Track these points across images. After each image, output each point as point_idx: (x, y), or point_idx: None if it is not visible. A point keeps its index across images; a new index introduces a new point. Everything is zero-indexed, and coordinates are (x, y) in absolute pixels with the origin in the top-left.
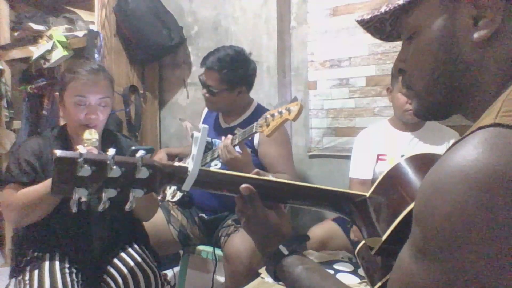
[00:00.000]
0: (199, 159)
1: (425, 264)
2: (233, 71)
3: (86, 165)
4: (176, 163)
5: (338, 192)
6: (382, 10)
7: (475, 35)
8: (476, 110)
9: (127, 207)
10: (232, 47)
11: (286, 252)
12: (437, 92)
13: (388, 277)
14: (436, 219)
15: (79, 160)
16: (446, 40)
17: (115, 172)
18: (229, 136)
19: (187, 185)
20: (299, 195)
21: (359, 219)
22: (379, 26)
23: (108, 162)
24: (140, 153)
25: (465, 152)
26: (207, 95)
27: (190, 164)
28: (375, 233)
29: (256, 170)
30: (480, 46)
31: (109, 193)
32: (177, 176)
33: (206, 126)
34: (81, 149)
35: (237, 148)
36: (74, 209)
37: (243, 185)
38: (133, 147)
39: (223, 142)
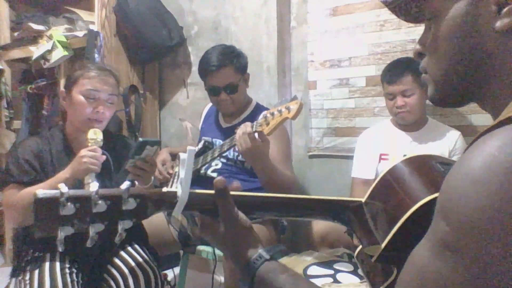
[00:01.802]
0: (187, 183)
1: (451, 259)
2: (240, 57)
3: (69, 203)
4: (164, 189)
5: (333, 200)
6: None
7: (498, 24)
8: (494, 100)
9: (116, 239)
10: (221, 44)
11: (267, 256)
12: (454, 80)
13: (390, 282)
14: (468, 211)
15: (61, 199)
16: (467, 27)
17: (100, 207)
18: (248, 123)
19: (177, 211)
20: (294, 208)
21: (357, 227)
22: (404, 7)
23: (92, 197)
24: (126, 184)
25: (499, 144)
26: (228, 97)
27: (178, 188)
28: (374, 240)
29: (236, 184)
30: (502, 35)
31: (96, 228)
32: (166, 202)
33: (193, 148)
34: (62, 186)
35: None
36: (61, 248)
37: (218, 178)
38: (141, 139)
39: (241, 130)
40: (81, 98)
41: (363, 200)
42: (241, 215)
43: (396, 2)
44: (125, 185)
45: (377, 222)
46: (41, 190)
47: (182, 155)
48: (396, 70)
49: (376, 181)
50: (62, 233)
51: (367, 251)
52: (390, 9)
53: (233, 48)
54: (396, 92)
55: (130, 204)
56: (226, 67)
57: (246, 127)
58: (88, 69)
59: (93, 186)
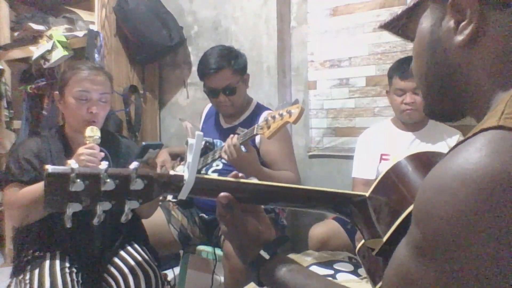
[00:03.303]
0: (194, 167)
1: (423, 263)
2: (238, 58)
3: (78, 180)
4: (171, 172)
5: (337, 193)
6: (398, 12)
7: (457, 39)
8: (475, 111)
9: (122, 219)
10: (220, 45)
11: (267, 257)
12: (433, 94)
13: None
14: (436, 221)
15: (71, 175)
16: (432, 45)
17: (109, 185)
18: (235, 135)
19: (183, 194)
20: (298, 198)
21: (360, 220)
22: (405, 29)
23: (101, 175)
24: (134, 164)
25: (468, 154)
26: (226, 99)
27: (185, 172)
28: (375, 234)
29: (234, 172)
30: (463, 50)
31: (103, 206)
32: (173, 185)
33: (201, 133)
34: (72, 163)
35: (242, 148)
36: (69, 224)
37: (221, 194)
38: (144, 143)
39: (228, 142)
40: (73, 100)
41: (367, 194)
42: (250, 220)
43: (395, 28)
44: (133, 165)
45: (380, 216)
46: (51, 166)
47: (191, 140)
48: (411, 66)
49: (380, 176)
50: (70, 209)
51: (368, 244)
52: (392, 33)
53: (231, 49)
54: (407, 88)
55: (138, 185)
56: (224, 69)
57: (232, 139)
58: (78, 70)
59: (103, 164)
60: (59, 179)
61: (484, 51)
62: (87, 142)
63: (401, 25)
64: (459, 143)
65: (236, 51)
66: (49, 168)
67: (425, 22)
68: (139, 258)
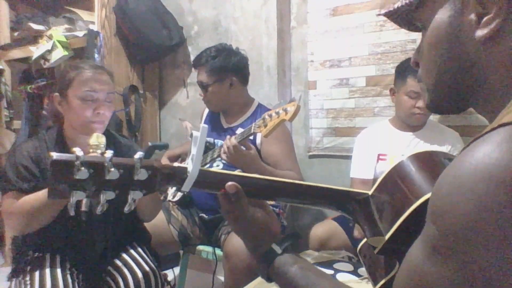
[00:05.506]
0: (199, 159)
1: (440, 263)
2: (219, 60)
3: (83, 168)
4: (176, 164)
5: (340, 191)
6: (398, 4)
7: (478, 33)
8: (486, 106)
9: (126, 209)
10: (219, 44)
11: (279, 251)
12: (444, 88)
13: (392, 275)
14: (455, 217)
15: (76, 162)
16: (450, 37)
17: (113, 174)
18: (232, 136)
19: (186, 186)
20: (302, 194)
21: (362, 218)
22: (406, 17)
23: (106, 164)
24: (139, 154)
25: (488, 149)
26: (203, 94)
27: (189, 164)
28: (378, 232)
29: (237, 171)
30: (483, 45)
31: (107, 196)
32: (176, 177)
33: (206, 125)
34: (77, 151)
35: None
36: (72, 213)
37: (229, 183)
38: (150, 143)
39: (225, 144)
40: (79, 101)
41: (369, 192)
42: (258, 212)
43: (394, 16)
44: (138, 155)
45: (383, 214)
46: (56, 153)
47: (195, 133)
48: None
49: (383, 175)
50: (74, 198)
51: (370, 242)
52: (393, 21)
53: (218, 48)
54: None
55: (142, 175)
56: (200, 66)
57: (230, 140)
58: (81, 70)
59: (108, 153)
60: (64, 167)
61: (506, 47)
62: (91, 150)
63: (402, 12)
64: (477, 137)
65: (224, 52)
66: (54, 155)
67: (441, 13)
68: (139, 258)
